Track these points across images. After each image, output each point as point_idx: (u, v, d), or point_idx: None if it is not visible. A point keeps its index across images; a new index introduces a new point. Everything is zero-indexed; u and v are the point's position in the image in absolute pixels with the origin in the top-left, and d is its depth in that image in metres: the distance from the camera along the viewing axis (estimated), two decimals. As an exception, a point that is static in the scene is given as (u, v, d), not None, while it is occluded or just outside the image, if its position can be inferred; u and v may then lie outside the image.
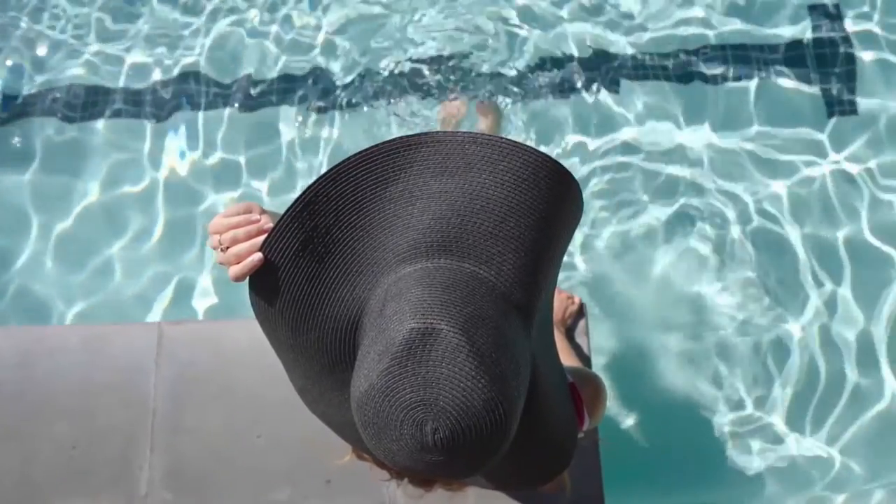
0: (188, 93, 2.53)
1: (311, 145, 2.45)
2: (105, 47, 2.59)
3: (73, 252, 2.36)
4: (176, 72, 2.55)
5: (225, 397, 1.64)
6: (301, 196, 0.77)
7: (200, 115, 2.50)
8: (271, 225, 0.79)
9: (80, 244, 2.37)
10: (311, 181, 0.78)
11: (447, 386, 0.67)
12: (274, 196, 2.38)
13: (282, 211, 0.79)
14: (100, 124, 2.50)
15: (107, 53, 2.59)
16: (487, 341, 0.69)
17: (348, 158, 0.78)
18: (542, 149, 2.25)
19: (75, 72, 2.56)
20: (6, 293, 2.33)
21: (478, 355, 0.68)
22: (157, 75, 2.55)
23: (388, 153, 0.78)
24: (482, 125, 2.43)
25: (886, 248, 2.28)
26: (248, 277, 0.79)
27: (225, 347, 1.69)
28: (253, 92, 2.52)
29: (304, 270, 0.78)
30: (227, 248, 0.79)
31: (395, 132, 2.43)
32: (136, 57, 2.58)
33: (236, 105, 2.50)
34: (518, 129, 2.44)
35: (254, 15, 2.61)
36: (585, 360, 1.76)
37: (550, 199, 0.78)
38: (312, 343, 0.80)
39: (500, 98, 2.48)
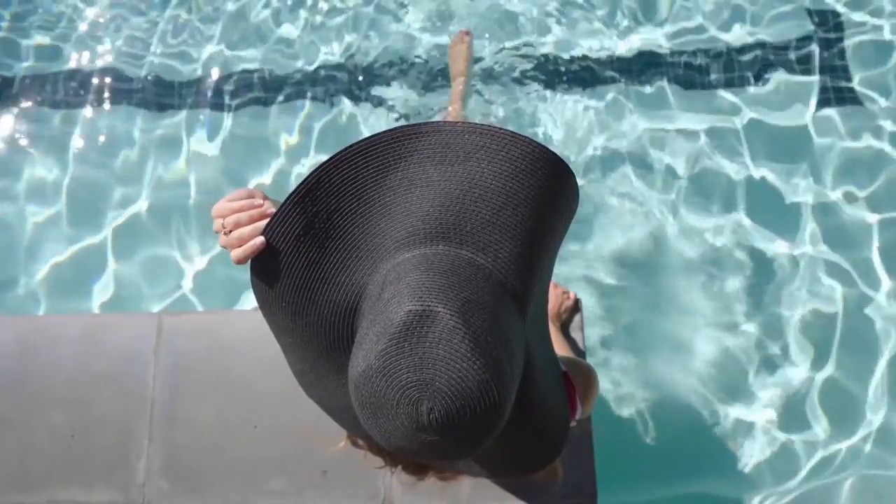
0: (193, 87, 2.55)
1: (312, 136, 2.46)
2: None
3: (71, 247, 2.37)
4: (183, 68, 2.58)
5: (223, 388, 1.65)
6: (303, 182, 0.79)
7: (202, 108, 2.51)
8: (274, 210, 0.80)
9: (78, 239, 2.38)
10: (313, 169, 0.79)
11: (443, 367, 0.68)
12: (275, 186, 2.39)
13: (284, 199, 0.80)
14: (105, 110, 2.53)
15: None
16: (483, 325, 0.71)
17: (350, 146, 0.79)
18: (540, 138, 2.27)
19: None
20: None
21: (473, 338, 0.69)
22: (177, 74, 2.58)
23: (389, 142, 0.79)
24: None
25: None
26: (249, 261, 0.80)
27: (224, 338, 1.70)
28: (261, 86, 2.53)
29: (305, 255, 0.79)
30: (230, 231, 0.81)
31: (396, 122, 2.45)
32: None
33: (239, 97, 2.52)
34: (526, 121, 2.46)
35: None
36: (580, 354, 1.77)
37: (547, 190, 0.80)
38: (311, 327, 0.81)
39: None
